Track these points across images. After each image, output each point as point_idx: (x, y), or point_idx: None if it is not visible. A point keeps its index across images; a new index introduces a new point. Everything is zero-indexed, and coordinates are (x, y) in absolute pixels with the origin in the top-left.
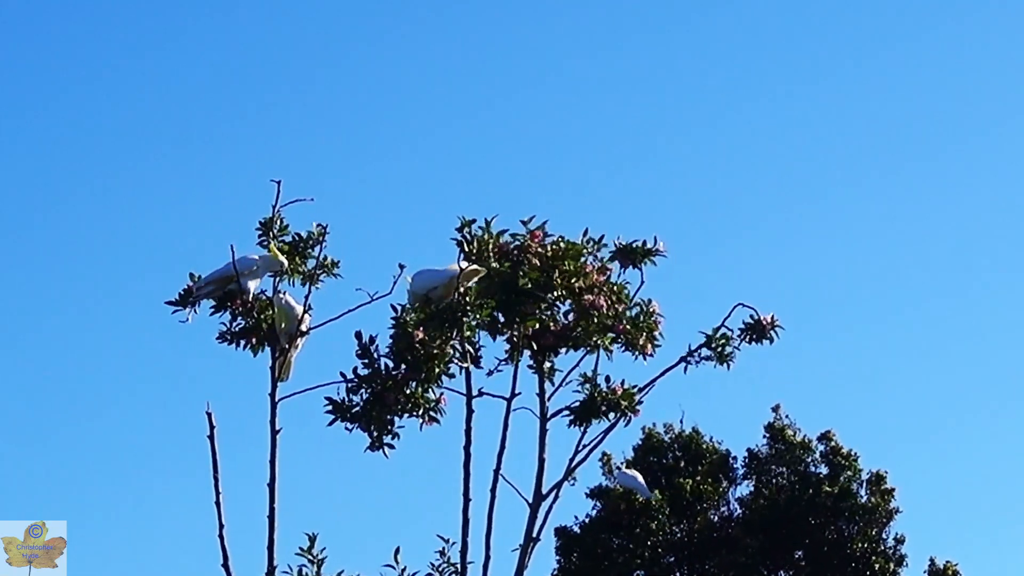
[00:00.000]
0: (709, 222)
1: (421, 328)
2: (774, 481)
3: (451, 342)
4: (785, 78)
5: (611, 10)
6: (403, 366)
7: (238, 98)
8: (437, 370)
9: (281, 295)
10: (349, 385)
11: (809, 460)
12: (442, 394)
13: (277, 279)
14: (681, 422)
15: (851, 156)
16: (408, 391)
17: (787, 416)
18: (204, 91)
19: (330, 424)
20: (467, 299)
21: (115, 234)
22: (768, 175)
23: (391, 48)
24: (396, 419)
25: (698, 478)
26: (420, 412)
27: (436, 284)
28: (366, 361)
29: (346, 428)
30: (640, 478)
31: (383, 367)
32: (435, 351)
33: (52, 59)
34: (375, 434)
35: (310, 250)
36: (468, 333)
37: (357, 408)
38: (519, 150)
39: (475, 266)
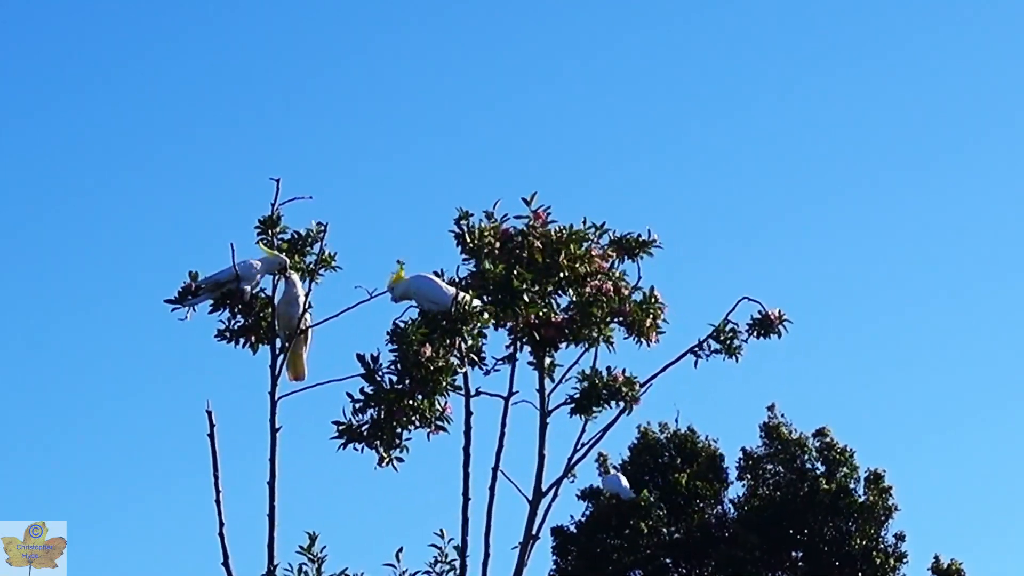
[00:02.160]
0: (703, 218)
1: (428, 345)
2: (770, 479)
3: (453, 351)
4: (791, 73)
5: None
6: (407, 381)
7: (237, 96)
8: (444, 383)
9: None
10: (356, 405)
11: (805, 457)
12: (447, 402)
13: (277, 278)
14: (676, 421)
15: (849, 153)
16: (414, 403)
17: (782, 415)
18: (203, 89)
19: (341, 448)
20: (465, 308)
21: (114, 232)
22: (763, 171)
23: (388, 45)
24: (404, 432)
25: (693, 476)
26: (428, 424)
27: (437, 304)
28: (369, 382)
29: (355, 448)
30: (623, 480)
31: (388, 383)
32: (441, 364)
33: (54, 59)
34: (383, 450)
35: (309, 247)
36: (471, 342)
37: (366, 427)
38: (518, 146)
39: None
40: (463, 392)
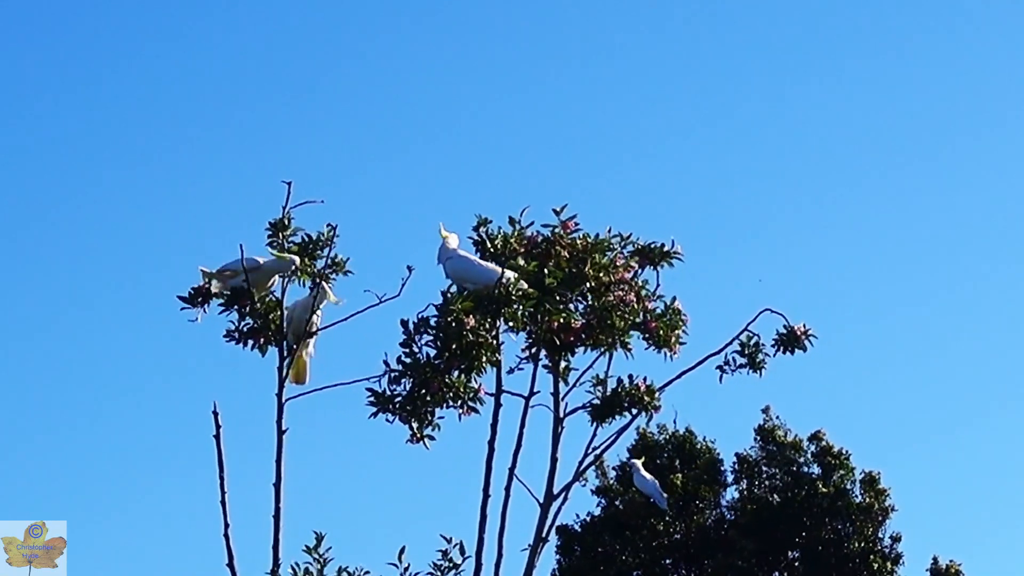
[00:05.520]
0: (705, 223)
1: (472, 316)
2: (766, 483)
3: (495, 329)
4: (804, 82)
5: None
6: (446, 354)
7: (249, 98)
8: (484, 357)
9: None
10: (392, 375)
11: (801, 460)
12: (481, 384)
13: (287, 280)
14: (675, 423)
15: (847, 157)
16: (449, 380)
17: (777, 417)
18: (214, 91)
19: (372, 416)
20: (511, 290)
21: (123, 233)
22: (758, 176)
23: (402, 47)
24: (436, 410)
25: (692, 478)
26: (460, 403)
27: (475, 282)
28: (407, 351)
29: (387, 420)
30: (657, 485)
31: (425, 356)
32: (482, 339)
33: (65, 59)
34: (416, 426)
35: (320, 251)
36: (512, 323)
37: (399, 399)
38: (534, 149)
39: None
40: (488, 380)
